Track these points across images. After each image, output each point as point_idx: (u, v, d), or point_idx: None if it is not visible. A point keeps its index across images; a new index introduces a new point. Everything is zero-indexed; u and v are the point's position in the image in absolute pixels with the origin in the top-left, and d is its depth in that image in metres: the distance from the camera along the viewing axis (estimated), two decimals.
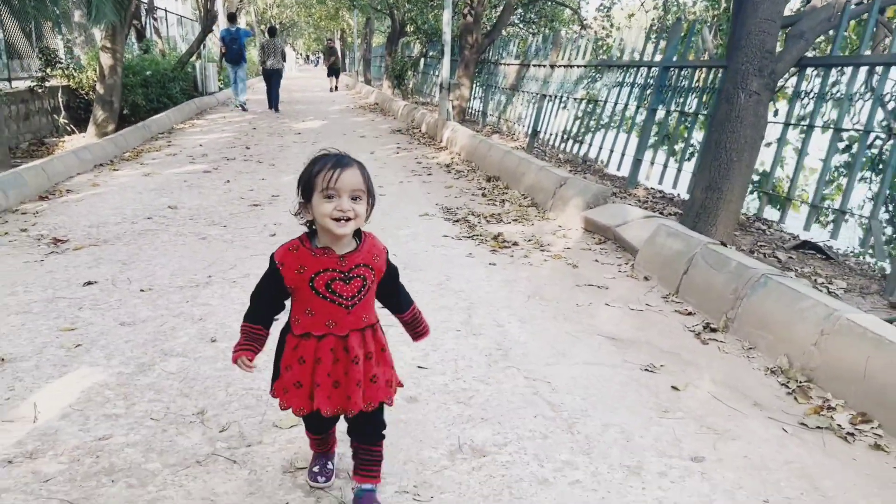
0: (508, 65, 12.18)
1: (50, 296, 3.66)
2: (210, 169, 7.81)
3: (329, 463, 2.07)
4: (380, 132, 11.90)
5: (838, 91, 5.00)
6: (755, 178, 5.68)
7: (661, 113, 7.00)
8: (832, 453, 2.27)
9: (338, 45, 32.95)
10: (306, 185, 1.70)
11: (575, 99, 9.00)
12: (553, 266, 4.34)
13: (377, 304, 1.89)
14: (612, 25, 14.78)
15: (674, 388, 2.71)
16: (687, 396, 2.64)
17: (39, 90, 11.51)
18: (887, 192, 4.49)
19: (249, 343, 1.82)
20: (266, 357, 1.93)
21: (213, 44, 22.46)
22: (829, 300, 2.84)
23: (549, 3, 15.13)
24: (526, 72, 11.18)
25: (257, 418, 2.43)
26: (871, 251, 4.56)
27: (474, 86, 13.48)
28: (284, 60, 15.98)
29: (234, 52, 15.12)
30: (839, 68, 4.91)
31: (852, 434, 2.36)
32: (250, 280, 3.91)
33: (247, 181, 7.05)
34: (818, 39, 5.73)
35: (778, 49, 4.99)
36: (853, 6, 5.03)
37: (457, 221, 5.40)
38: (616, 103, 7.94)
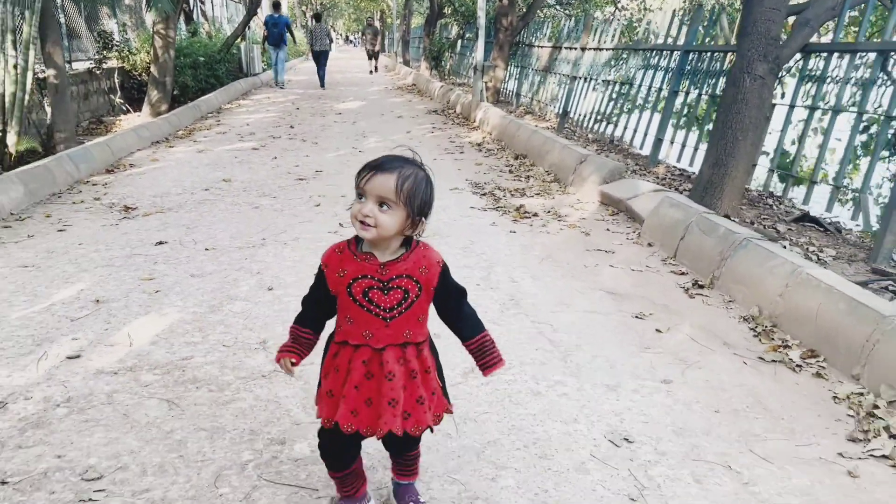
0: (541, 47, 12.56)
1: (128, 253, 4.27)
2: (258, 146, 8.40)
3: None
4: (416, 112, 12.40)
5: (840, 75, 5.36)
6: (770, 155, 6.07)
7: (681, 95, 7.39)
8: (780, 380, 2.74)
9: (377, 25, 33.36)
10: (356, 185, 1.61)
11: (603, 81, 9.39)
12: (567, 234, 4.82)
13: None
14: (645, 8, 15.04)
15: (657, 330, 3.19)
16: (667, 337, 3.13)
17: (97, 72, 12.25)
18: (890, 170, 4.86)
19: (294, 345, 1.74)
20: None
21: (258, 26, 23.11)
22: (795, 258, 3.30)
23: None
24: (558, 54, 11.56)
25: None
26: (859, 223, 4.95)
27: (509, 67, 13.89)
28: (331, 42, 17.84)
29: (275, 35, 16.74)
30: (839, 54, 5.25)
31: (800, 366, 2.82)
32: (300, 243, 4.49)
33: (292, 158, 7.63)
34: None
35: (785, 36, 5.37)
36: None
37: (483, 195, 5.90)
38: (640, 85, 8.33)
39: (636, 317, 3.36)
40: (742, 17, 5.44)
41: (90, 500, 1.98)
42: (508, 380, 2.70)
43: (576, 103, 10.22)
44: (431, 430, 1.76)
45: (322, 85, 17.28)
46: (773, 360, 2.88)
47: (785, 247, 3.95)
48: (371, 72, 23.60)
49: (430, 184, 1.63)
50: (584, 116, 9.85)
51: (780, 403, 2.57)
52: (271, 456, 2.19)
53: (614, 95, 9.05)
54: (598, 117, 9.34)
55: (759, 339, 3.09)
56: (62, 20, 11.75)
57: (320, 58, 17.28)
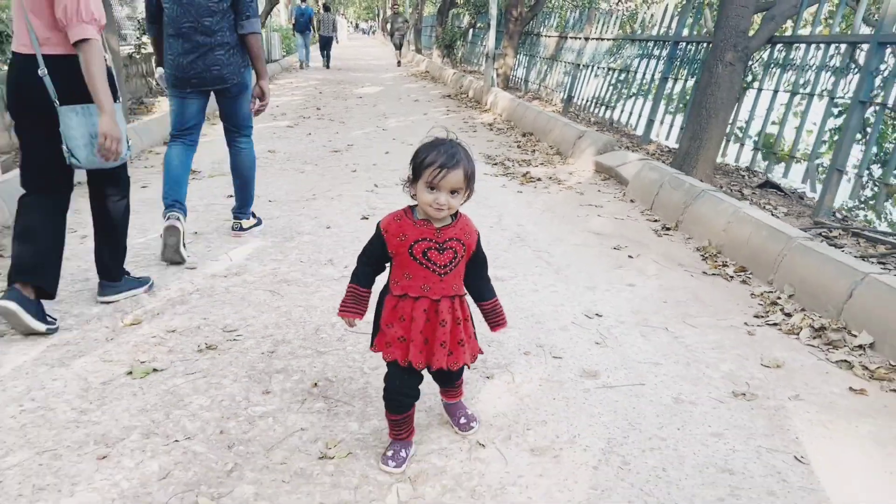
0: (549, 36, 13.47)
1: (207, 203, 5.26)
2: (292, 124, 9.39)
3: (404, 451, 2.14)
4: (431, 97, 13.35)
5: (799, 61, 6.29)
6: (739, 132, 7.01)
7: (671, 81, 8.32)
8: (716, 285, 3.72)
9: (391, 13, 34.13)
10: (415, 170, 1.89)
11: (604, 68, 10.32)
12: (565, 194, 5.79)
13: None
14: (646, 0, 15.92)
15: (629, 256, 4.17)
16: (636, 260, 4.10)
17: (136, 56, 13.23)
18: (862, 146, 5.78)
19: (355, 305, 2.04)
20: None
21: (276, 14, 24.02)
22: (738, 203, 4.27)
23: None
24: (564, 43, 12.48)
25: None
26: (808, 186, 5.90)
27: (518, 55, 14.80)
28: (335, 30, 21.97)
29: (302, 24, 20.02)
30: (796, 45, 6.19)
31: (732, 277, 3.80)
32: (344, 198, 5.47)
33: (324, 134, 8.61)
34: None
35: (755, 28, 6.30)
36: None
37: (495, 164, 6.87)
38: (636, 72, 9.26)
39: (614, 248, 4.34)
40: (717, 12, 6.38)
41: (233, 339, 2.98)
42: (513, 284, 3.68)
43: (579, 89, 11.16)
44: (468, 367, 2.17)
45: (327, 66, 20.39)
46: (714, 274, 3.85)
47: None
48: (399, 63, 22.97)
49: (472, 157, 1.96)
50: (587, 101, 10.79)
51: (711, 298, 3.54)
52: None
53: (613, 81, 9.98)
54: (599, 102, 10.28)
55: (706, 261, 4.06)
56: None
57: (328, 43, 20.75)
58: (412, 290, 1.97)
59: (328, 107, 11.48)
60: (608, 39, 10.43)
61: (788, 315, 3.27)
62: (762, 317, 3.30)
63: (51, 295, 3.04)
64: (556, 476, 2.11)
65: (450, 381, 2.22)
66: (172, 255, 3.85)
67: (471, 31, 20.92)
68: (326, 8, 21.64)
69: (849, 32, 6.27)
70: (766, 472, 2.14)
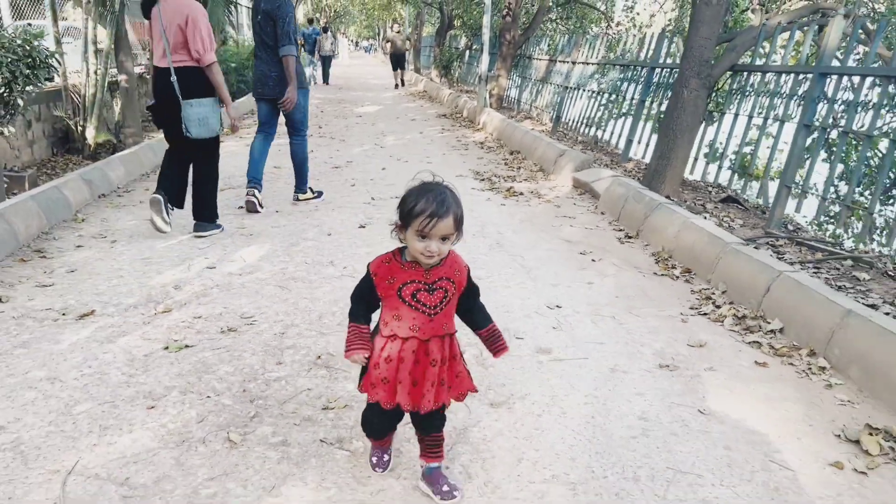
0: (539, 59, 14.15)
1: (221, 213, 5.85)
2: None
3: (385, 455, 2.33)
4: (427, 116, 14.01)
5: (758, 89, 6.91)
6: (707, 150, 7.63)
7: (648, 103, 8.95)
8: (663, 284, 4.31)
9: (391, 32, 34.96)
10: (404, 217, 1.88)
11: (589, 91, 10.97)
12: (544, 207, 6.39)
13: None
14: (634, 25, 16.64)
15: (592, 259, 4.76)
16: (598, 263, 4.70)
17: (147, 76, 13.89)
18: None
19: (360, 342, 2.03)
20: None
21: None
22: (688, 214, 4.87)
23: (580, 4, 16.98)
24: (553, 66, 13.15)
25: (364, 260, 4.55)
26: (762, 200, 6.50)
27: (512, 77, 15.48)
28: (335, 48, 24.29)
29: (311, 44, 21.71)
30: (754, 73, 6.82)
31: (678, 277, 4.39)
32: (344, 209, 6.06)
33: (326, 151, 9.23)
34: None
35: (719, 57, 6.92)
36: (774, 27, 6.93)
37: (482, 180, 7.48)
38: (618, 95, 9.91)
39: (581, 253, 4.93)
40: (684, 43, 7.02)
41: (250, 324, 3.56)
42: (489, 282, 4.27)
43: (567, 110, 11.81)
44: (446, 406, 2.15)
45: (326, 81, 22.39)
46: (663, 274, 4.45)
47: (706, 217, 5.52)
48: (396, 86, 21.87)
49: (460, 199, 1.95)
50: (574, 121, 11.43)
51: (657, 294, 4.14)
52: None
53: (598, 103, 10.62)
54: (585, 122, 10.92)
55: (658, 264, 4.66)
56: None
57: (326, 61, 22.67)
58: (401, 330, 1.99)
59: (329, 125, 12.11)
60: (593, 63, 11.09)
61: (718, 307, 3.86)
62: (696, 308, 3.89)
63: (180, 206, 5.14)
64: (507, 421, 2.69)
65: (433, 426, 2.19)
66: (251, 208, 5.84)
67: (467, 52, 21.64)
68: (325, 29, 23.65)
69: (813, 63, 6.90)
70: (672, 420, 2.73)
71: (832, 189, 6.17)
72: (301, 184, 6.37)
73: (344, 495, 2.23)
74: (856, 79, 5.64)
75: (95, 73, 9.59)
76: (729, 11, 7.48)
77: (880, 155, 7.48)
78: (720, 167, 7.10)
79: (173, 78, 4.70)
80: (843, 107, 5.71)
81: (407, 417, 2.18)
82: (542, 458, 2.45)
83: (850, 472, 2.42)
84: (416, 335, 1.99)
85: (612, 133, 9.81)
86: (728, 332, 3.59)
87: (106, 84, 9.84)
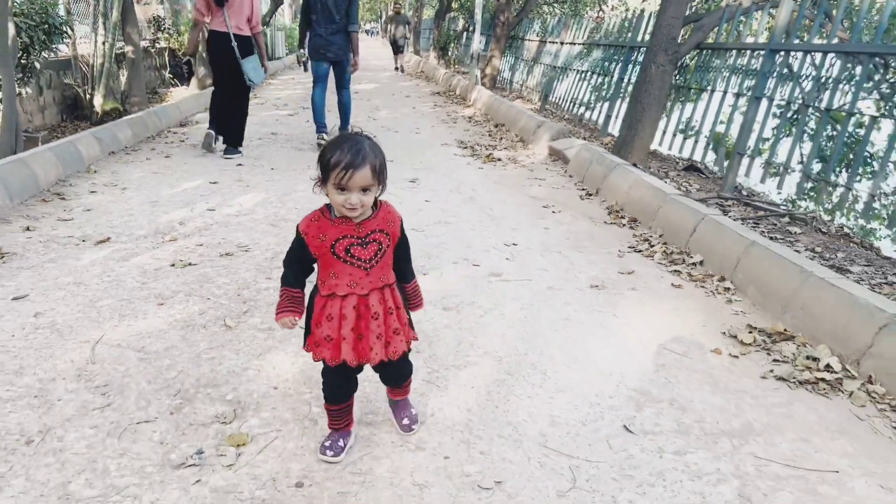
0: (531, 41, 14.65)
1: (220, 167, 6.41)
2: (292, 113, 10.55)
3: (342, 440, 2.21)
4: (422, 94, 14.52)
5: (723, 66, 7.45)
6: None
7: (625, 81, 9.48)
8: (611, 230, 4.87)
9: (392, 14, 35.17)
10: (322, 171, 1.87)
11: (574, 70, 11.49)
12: (518, 171, 6.94)
13: None
14: (626, 9, 17.10)
15: (553, 211, 5.32)
16: (557, 215, 5.26)
17: (151, 50, 14.39)
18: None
19: (291, 304, 2.01)
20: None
21: (280, 14, 25.19)
22: (639, 172, 5.42)
23: None
24: (543, 47, 13.66)
25: None
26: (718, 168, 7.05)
27: (505, 58, 15.98)
28: None
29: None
30: (718, 51, 7.35)
31: (624, 224, 4.95)
32: None
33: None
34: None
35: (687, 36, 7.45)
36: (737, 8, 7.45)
37: (465, 148, 8.03)
38: (598, 73, 10.43)
39: (543, 206, 5.50)
40: (654, 22, 7.54)
41: (244, 251, 4.13)
42: (458, 226, 4.83)
43: (555, 88, 12.33)
44: (406, 353, 2.15)
45: None
46: (612, 223, 5.01)
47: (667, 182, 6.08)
48: (396, 69, 21.14)
49: (379, 146, 1.92)
50: (561, 98, 11.96)
51: (603, 237, 4.70)
52: None
53: (583, 83, 11.15)
54: (570, 100, 11.45)
55: (610, 215, 5.22)
56: None
57: None
58: (339, 288, 1.96)
59: (327, 100, 12.61)
60: (579, 44, 11.60)
61: (652, 246, 4.43)
62: (633, 247, 4.46)
63: (221, 135, 7.05)
64: (455, 319, 3.26)
65: (396, 380, 2.25)
66: (319, 141, 7.83)
67: (465, 34, 22.09)
68: None
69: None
70: (592, 321, 3.30)
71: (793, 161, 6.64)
72: (345, 124, 7.86)
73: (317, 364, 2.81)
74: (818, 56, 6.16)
75: (104, 43, 10.09)
76: None
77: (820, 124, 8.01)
78: (685, 138, 7.64)
79: (234, 43, 6.61)
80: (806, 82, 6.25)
81: (372, 376, 2.27)
82: (477, 342, 3.03)
83: (725, 355, 2.99)
84: (355, 291, 1.97)
85: (591, 109, 10.34)
86: (656, 264, 4.16)
87: (113, 55, 10.35)
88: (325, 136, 7.82)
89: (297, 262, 2.02)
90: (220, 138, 7.07)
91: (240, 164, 6.63)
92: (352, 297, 1.97)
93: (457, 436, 2.33)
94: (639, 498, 2.05)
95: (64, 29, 7.30)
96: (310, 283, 2.07)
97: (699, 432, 2.40)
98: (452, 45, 22.13)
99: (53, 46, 7.27)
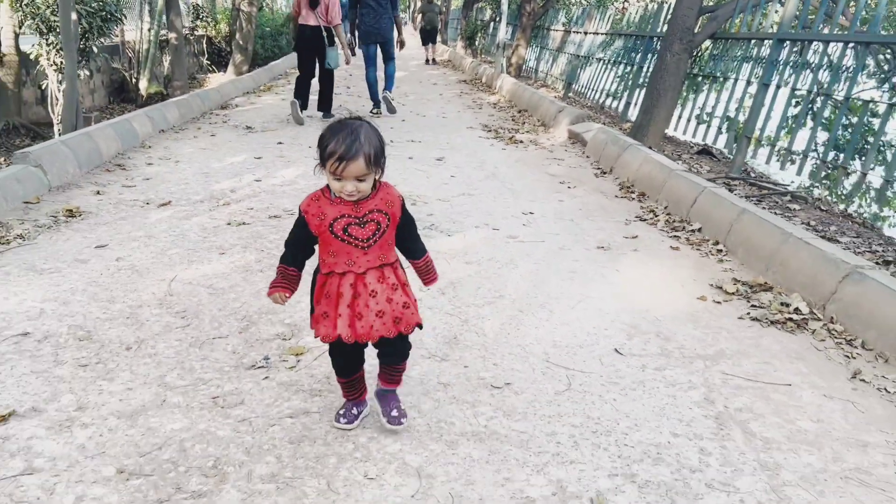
0: (556, 30, 15.04)
1: (262, 144, 6.94)
2: None
3: (355, 408, 2.27)
4: (449, 82, 14.98)
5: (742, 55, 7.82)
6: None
7: (645, 69, 9.86)
8: (620, 202, 5.31)
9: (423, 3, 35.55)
10: (320, 157, 1.93)
11: (597, 59, 11.88)
12: (539, 152, 7.40)
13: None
14: (653, 0, 17.38)
15: (568, 187, 5.77)
16: (572, 190, 5.71)
17: (191, 38, 15.01)
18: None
19: (284, 282, 2.06)
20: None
21: None
22: (649, 151, 5.85)
23: None
24: (568, 37, 14.04)
25: None
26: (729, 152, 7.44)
27: (531, 47, 16.38)
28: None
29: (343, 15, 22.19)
30: (731, 41, 7.72)
31: (634, 198, 5.39)
32: None
33: (352, 106, 10.27)
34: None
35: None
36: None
37: (489, 131, 8.49)
38: (620, 62, 10.81)
39: (560, 182, 5.95)
40: (671, 12, 7.93)
41: (290, 214, 4.63)
42: (480, 198, 5.30)
43: (578, 77, 12.72)
44: (420, 327, 2.17)
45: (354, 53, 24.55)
46: (623, 197, 5.46)
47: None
48: (427, 61, 19.92)
49: (376, 130, 1.96)
50: (583, 87, 12.36)
51: (613, 208, 5.15)
52: None
53: (604, 70, 11.54)
54: (593, 87, 11.84)
55: (621, 190, 5.66)
56: None
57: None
58: (337, 266, 2.01)
59: (357, 86, 13.10)
60: (602, 34, 11.99)
61: (657, 215, 4.88)
62: (639, 217, 4.91)
63: (305, 108, 8.67)
64: (475, 270, 3.75)
65: (396, 357, 2.21)
66: (390, 107, 9.33)
67: (491, 24, 22.48)
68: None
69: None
70: (595, 273, 3.77)
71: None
72: (389, 86, 9.39)
73: None
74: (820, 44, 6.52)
75: (149, 30, 10.67)
76: None
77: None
78: (699, 123, 8.03)
79: (324, 34, 8.18)
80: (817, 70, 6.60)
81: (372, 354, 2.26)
82: (494, 287, 3.51)
83: (710, 301, 3.44)
84: (352, 269, 2.00)
85: (614, 98, 10.74)
86: (659, 231, 4.61)
87: (157, 41, 10.93)
88: (379, 110, 9.28)
89: (298, 242, 2.07)
90: (304, 109, 8.65)
91: (280, 143, 7.15)
92: (349, 275, 2.01)
93: (475, 353, 2.81)
94: (621, 397, 2.52)
95: (119, 16, 7.87)
96: (314, 264, 2.16)
97: (678, 356, 2.86)
98: (479, 34, 22.54)
99: (109, 32, 7.85)
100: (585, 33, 12.84)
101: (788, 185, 6.77)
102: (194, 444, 2.15)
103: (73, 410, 2.31)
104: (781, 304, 3.34)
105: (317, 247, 2.08)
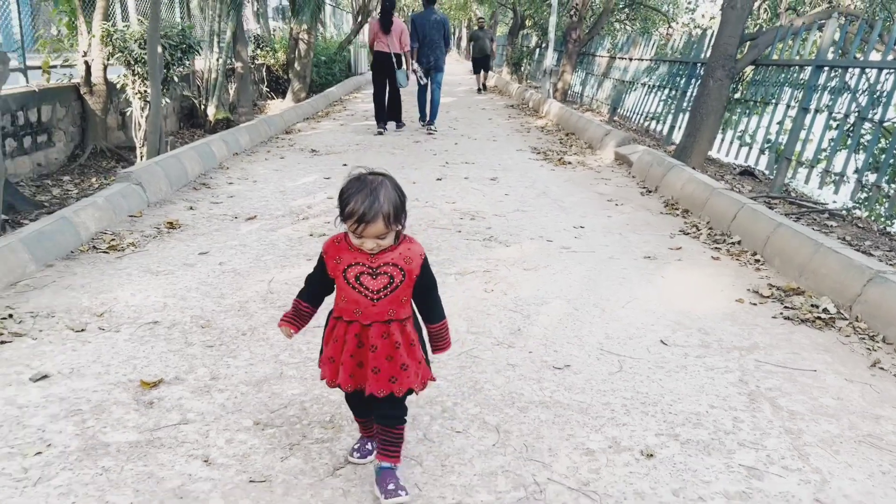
0: (601, 57, 15.48)
1: (329, 166, 7.51)
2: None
3: (369, 444, 2.28)
4: (497, 107, 15.51)
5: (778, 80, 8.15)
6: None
7: (688, 93, 10.23)
8: (664, 218, 5.70)
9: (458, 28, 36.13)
10: (340, 212, 1.91)
11: (642, 84, 12.28)
12: (586, 172, 7.82)
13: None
14: (696, 26, 17.75)
15: (616, 204, 6.19)
16: (619, 206, 6.12)
17: (252, 66, 15.82)
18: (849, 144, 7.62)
19: (294, 318, 2.10)
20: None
21: (363, 33, 26.69)
22: (692, 171, 6.24)
23: (643, 7, 18.19)
24: (613, 63, 14.47)
25: (440, 197, 6.09)
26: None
27: (576, 72, 16.84)
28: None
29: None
30: (772, 67, 8.07)
31: (678, 214, 5.78)
32: (424, 170, 7.63)
33: (406, 130, 10.85)
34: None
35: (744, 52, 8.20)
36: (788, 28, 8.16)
37: (538, 153, 8.95)
38: (665, 87, 11.20)
39: (608, 200, 6.37)
40: (714, 40, 8.32)
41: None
42: (533, 214, 5.75)
43: (623, 101, 13.13)
44: (416, 393, 2.09)
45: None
46: (667, 214, 5.85)
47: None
48: (479, 89, 19.67)
49: (397, 186, 1.94)
50: (628, 111, 12.76)
51: (658, 223, 5.55)
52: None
53: (648, 95, 11.93)
54: (638, 111, 12.24)
55: (666, 207, 6.05)
56: None
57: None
58: (346, 313, 2.00)
59: (409, 112, 13.72)
60: (647, 60, 12.39)
61: (699, 229, 5.26)
62: (683, 231, 5.30)
63: (386, 122, 10.65)
64: (533, 276, 4.19)
65: (385, 417, 2.10)
66: (430, 132, 10.61)
67: (537, 50, 23.03)
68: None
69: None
70: (642, 279, 4.18)
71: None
72: (434, 114, 10.92)
73: None
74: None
75: (217, 60, 11.43)
76: (750, 16, 8.77)
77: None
78: (741, 145, 8.36)
79: (393, 59, 9.93)
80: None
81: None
82: (551, 290, 3.95)
83: (746, 303, 3.83)
84: (358, 319, 1.99)
85: (657, 120, 11.12)
86: (701, 243, 4.99)
87: (225, 70, 11.68)
88: (427, 127, 10.85)
89: (316, 280, 2.09)
90: (386, 124, 10.55)
91: (344, 164, 7.71)
92: (355, 324, 2.00)
93: (537, 341, 3.25)
94: (666, 378, 2.93)
95: (197, 48, 8.56)
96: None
97: (717, 346, 3.26)
98: (525, 60, 23.09)
99: (187, 63, 8.54)
100: (630, 59, 13.26)
101: (828, 204, 7.07)
102: (312, 405, 2.63)
103: (209, 380, 2.82)
104: (812, 305, 3.71)
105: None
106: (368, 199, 1.84)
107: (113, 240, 4.57)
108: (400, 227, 1.94)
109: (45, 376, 2.80)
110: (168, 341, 3.15)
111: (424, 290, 2.06)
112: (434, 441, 2.42)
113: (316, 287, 2.10)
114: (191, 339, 3.17)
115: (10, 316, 3.33)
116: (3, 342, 3.08)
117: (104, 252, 4.36)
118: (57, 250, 4.21)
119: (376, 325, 1.99)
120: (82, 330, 3.25)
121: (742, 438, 2.49)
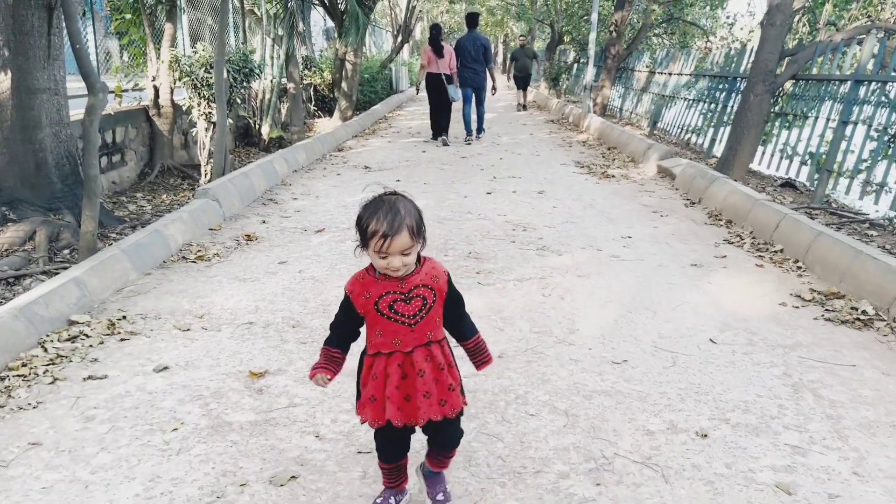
0: (640, 71, 15.75)
1: (384, 184, 7.90)
2: (427, 139, 12.09)
3: (393, 498, 2.22)
4: (537, 122, 15.86)
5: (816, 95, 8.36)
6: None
7: (728, 108, 10.45)
8: (709, 228, 5.97)
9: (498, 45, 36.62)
10: (361, 237, 1.88)
11: (682, 98, 12.52)
12: (630, 185, 8.11)
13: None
14: (735, 40, 17.92)
15: (661, 215, 6.47)
16: (664, 217, 6.40)
17: (301, 85, 16.41)
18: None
19: (328, 363, 2.01)
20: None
21: (403, 52, 27.29)
22: (735, 183, 6.50)
23: (681, 22, 18.41)
24: (652, 78, 14.73)
25: (491, 210, 6.45)
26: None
27: (615, 87, 17.11)
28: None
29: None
30: (811, 81, 8.29)
31: (722, 225, 6.04)
32: (473, 185, 7.99)
33: (452, 147, 11.25)
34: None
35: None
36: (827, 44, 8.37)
37: (582, 167, 9.26)
38: (705, 101, 11.44)
39: (654, 212, 6.65)
40: (754, 56, 8.57)
41: None
42: (582, 225, 6.06)
43: (663, 116, 13.38)
44: (449, 417, 2.04)
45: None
46: (711, 224, 6.12)
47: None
48: (519, 107, 19.42)
49: (412, 202, 1.96)
50: (668, 124, 13.00)
51: (703, 233, 5.82)
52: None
53: (688, 109, 12.17)
54: (678, 125, 12.48)
55: (710, 218, 6.32)
56: None
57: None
58: (385, 346, 1.98)
59: (453, 128, 14.14)
60: (686, 75, 12.64)
61: (743, 239, 5.53)
62: (728, 240, 5.57)
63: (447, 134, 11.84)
64: (587, 282, 4.51)
65: (446, 445, 2.14)
66: (469, 142, 11.83)
67: (575, 65, 23.34)
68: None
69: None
70: (690, 285, 4.47)
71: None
72: (480, 127, 12.35)
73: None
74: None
75: (271, 81, 11.97)
76: (790, 31, 8.98)
77: None
78: (782, 158, 8.57)
79: (444, 77, 11.24)
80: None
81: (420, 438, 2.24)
82: (604, 295, 4.27)
83: (790, 307, 4.10)
84: (399, 348, 1.97)
85: (699, 135, 11.35)
86: (745, 252, 5.26)
87: (278, 90, 12.22)
88: (470, 138, 11.94)
89: (344, 324, 2.04)
90: (446, 137, 11.63)
91: (398, 180, 8.12)
92: (397, 354, 1.97)
93: (595, 340, 3.58)
94: (716, 371, 3.23)
95: (258, 72, 9.07)
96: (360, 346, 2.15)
97: (762, 345, 3.55)
98: (563, 75, 23.41)
99: (247, 86, 9.06)
100: (670, 74, 13.51)
101: (868, 214, 7.25)
102: None
103: (308, 371, 3.19)
104: (851, 308, 3.97)
105: (363, 329, 2.05)
106: (390, 214, 1.85)
107: (199, 251, 5.01)
108: (422, 240, 1.93)
109: (166, 367, 3.21)
110: (265, 339, 3.55)
111: (454, 305, 2.07)
112: (511, 422, 2.76)
113: (343, 331, 2.05)
114: (285, 337, 3.56)
115: (124, 317, 3.77)
116: (122, 339, 3.51)
117: (193, 262, 4.80)
118: (152, 260, 4.66)
119: (418, 350, 1.98)
120: (188, 329, 3.66)
121: (787, 422, 2.78)
